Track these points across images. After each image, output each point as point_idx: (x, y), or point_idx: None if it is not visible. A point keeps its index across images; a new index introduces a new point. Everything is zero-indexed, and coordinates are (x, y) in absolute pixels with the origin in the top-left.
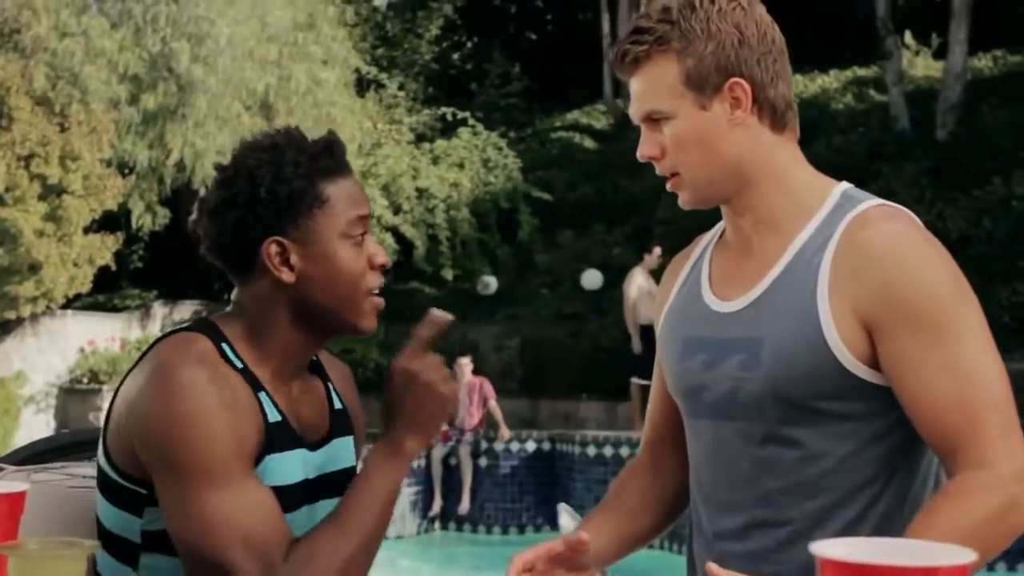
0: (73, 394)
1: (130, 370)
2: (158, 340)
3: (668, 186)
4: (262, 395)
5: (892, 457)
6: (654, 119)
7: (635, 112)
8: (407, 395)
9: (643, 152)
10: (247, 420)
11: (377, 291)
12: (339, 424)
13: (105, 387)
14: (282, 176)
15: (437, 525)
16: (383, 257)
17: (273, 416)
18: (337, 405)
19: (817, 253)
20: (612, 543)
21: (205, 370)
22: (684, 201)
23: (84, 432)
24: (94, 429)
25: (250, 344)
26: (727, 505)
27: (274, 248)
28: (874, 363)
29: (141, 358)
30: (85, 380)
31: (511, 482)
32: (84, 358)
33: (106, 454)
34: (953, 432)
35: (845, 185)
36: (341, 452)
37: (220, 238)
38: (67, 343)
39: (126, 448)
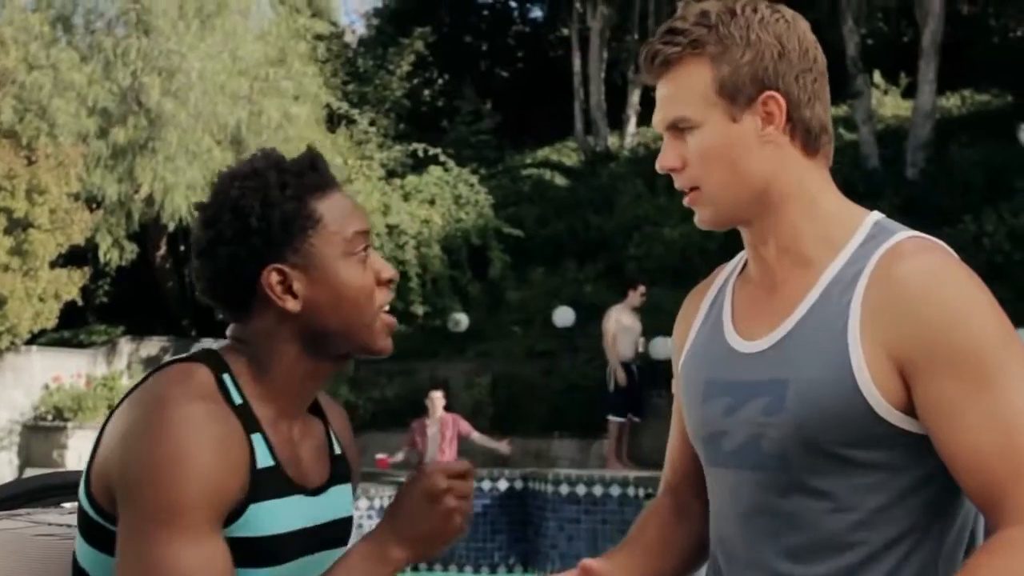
0: (37, 431)
1: (121, 401)
2: (157, 369)
3: (686, 201)
4: (256, 437)
5: (927, 510)
6: (679, 127)
7: (659, 119)
8: (424, 508)
9: (663, 163)
10: (231, 468)
11: (387, 308)
12: (338, 470)
13: (70, 424)
14: (270, 200)
15: (408, 565)
16: (390, 271)
17: (264, 461)
18: (336, 450)
19: (848, 289)
20: None
21: (201, 408)
22: (702, 219)
23: (54, 476)
24: (64, 472)
25: (255, 379)
26: (749, 561)
27: (274, 277)
28: (908, 409)
29: (135, 388)
30: (50, 417)
31: (483, 521)
32: (49, 395)
33: (87, 490)
34: (996, 484)
35: (878, 215)
36: (339, 500)
37: (215, 277)
38: (31, 379)
39: (107, 484)
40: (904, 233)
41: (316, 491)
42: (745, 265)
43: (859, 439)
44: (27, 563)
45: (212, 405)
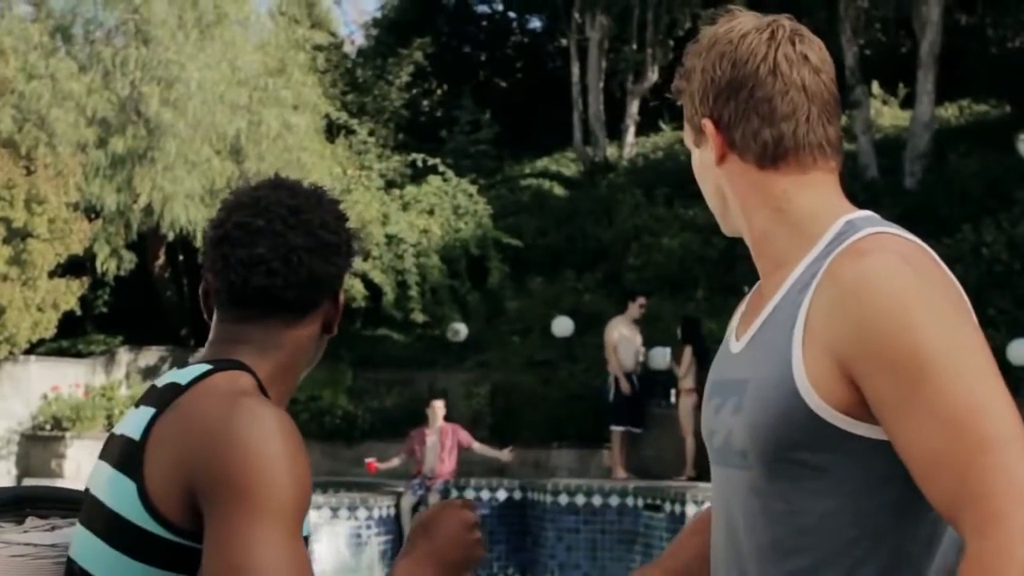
0: (36, 441)
1: (160, 411)
2: (198, 379)
3: None
4: None
5: (881, 516)
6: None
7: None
8: (461, 537)
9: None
10: (310, 472)
11: None
12: None
13: (68, 434)
14: (345, 252)
15: None
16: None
17: None
18: None
19: (804, 289)
20: None
21: (282, 413)
22: (723, 229)
23: (18, 489)
24: (44, 486)
25: (272, 387)
26: (728, 560)
27: (341, 297)
28: (853, 411)
29: (173, 395)
30: (48, 427)
31: (481, 531)
32: (47, 404)
33: (145, 504)
34: (950, 489)
35: (855, 214)
36: None
37: (312, 277)
38: (30, 389)
39: (188, 489)
40: (870, 229)
41: None
42: None
43: (802, 441)
44: None
45: (283, 411)
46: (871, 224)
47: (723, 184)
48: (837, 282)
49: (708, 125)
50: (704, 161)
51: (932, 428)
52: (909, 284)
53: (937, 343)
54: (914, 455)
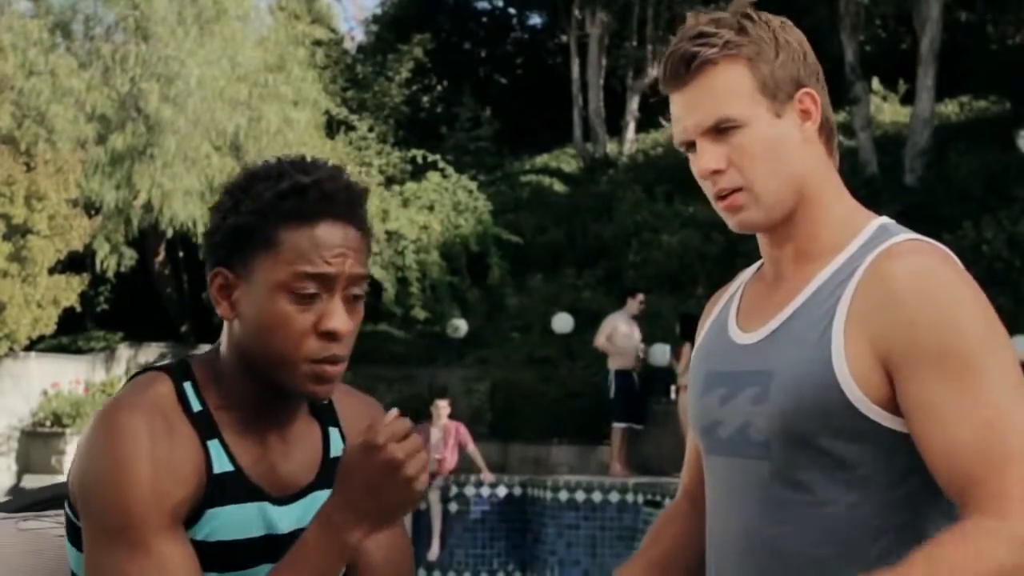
0: (36, 437)
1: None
2: (129, 379)
3: (724, 205)
4: (214, 443)
5: (907, 507)
6: (721, 129)
7: (695, 122)
8: (383, 481)
9: (708, 165)
10: (180, 475)
11: (326, 359)
12: (332, 474)
13: (68, 430)
14: (239, 209)
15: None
16: (333, 323)
17: (222, 466)
18: (336, 453)
19: (840, 286)
20: None
21: (144, 418)
22: (741, 221)
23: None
24: None
25: (215, 385)
26: (743, 552)
27: (218, 280)
28: (890, 406)
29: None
30: (48, 423)
31: (482, 527)
32: (47, 401)
33: (69, 496)
34: (970, 477)
35: (885, 219)
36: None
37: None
38: (30, 385)
39: (72, 493)
40: (905, 235)
41: (290, 498)
42: (761, 267)
43: (837, 433)
44: (49, 560)
45: (154, 416)
46: (902, 231)
47: (804, 163)
48: (885, 280)
49: (813, 94)
50: (786, 134)
51: (969, 426)
52: (959, 286)
53: (983, 350)
54: (942, 445)
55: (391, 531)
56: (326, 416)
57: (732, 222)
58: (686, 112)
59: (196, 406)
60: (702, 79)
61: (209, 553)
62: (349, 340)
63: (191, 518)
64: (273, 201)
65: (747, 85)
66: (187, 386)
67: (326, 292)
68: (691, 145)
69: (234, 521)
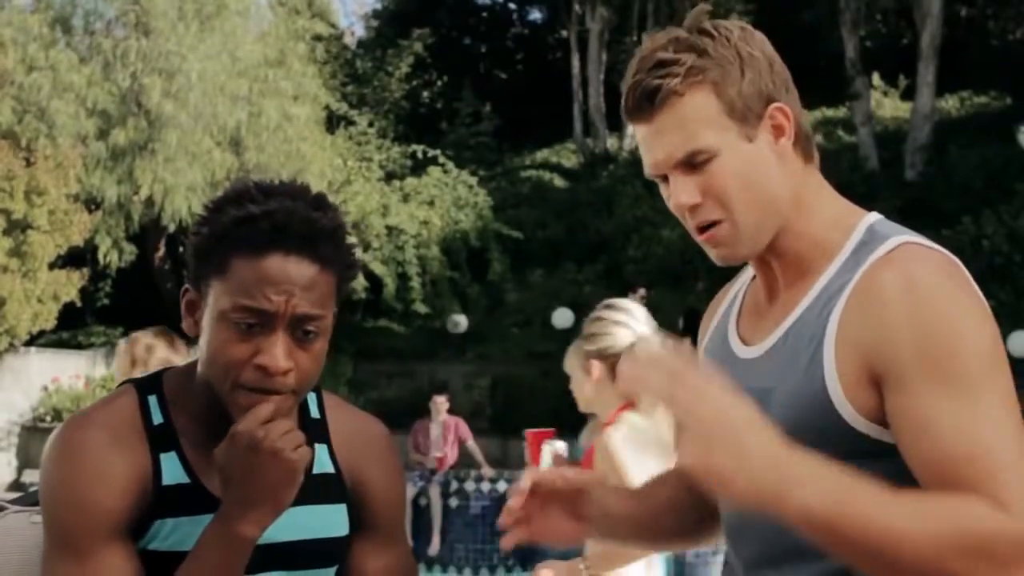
0: (36, 432)
1: None
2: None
3: (705, 238)
4: (169, 456)
5: None
6: (693, 163)
7: (664, 157)
8: (252, 462)
9: (684, 200)
10: (118, 487)
11: (260, 389)
12: (313, 491)
13: None
14: (202, 230)
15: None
16: (265, 360)
17: (173, 478)
18: (321, 469)
19: (833, 299)
20: (624, 519)
21: (90, 433)
22: (725, 257)
23: None
24: None
25: (185, 398)
26: (746, 564)
27: (187, 296)
28: (880, 418)
29: None
30: (48, 419)
31: (481, 523)
32: (47, 396)
33: None
34: (964, 488)
35: (873, 218)
36: (304, 520)
37: None
38: (30, 381)
39: None
40: (896, 239)
41: None
42: None
43: (835, 451)
44: None
45: (100, 431)
46: (894, 231)
47: (783, 182)
48: (877, 291)
49: (784, 109)
50: (760, 157)
51: (962, 437)
52: (950, 297)
53: (978, 362)
54: (933, 457)
55: (394, 552)
56: (315, 432)
57: (715, 255)
58: (655, 146)
59: (157, 419)
60: (668, 111)
61: (164, 563)
62: (299, 375)
63: (139, 528)
64: (229, 227)
65: (714, 111)
66: (152, 399)
67: (267, 327)
68: (663, 177)
69: (186, 532)
